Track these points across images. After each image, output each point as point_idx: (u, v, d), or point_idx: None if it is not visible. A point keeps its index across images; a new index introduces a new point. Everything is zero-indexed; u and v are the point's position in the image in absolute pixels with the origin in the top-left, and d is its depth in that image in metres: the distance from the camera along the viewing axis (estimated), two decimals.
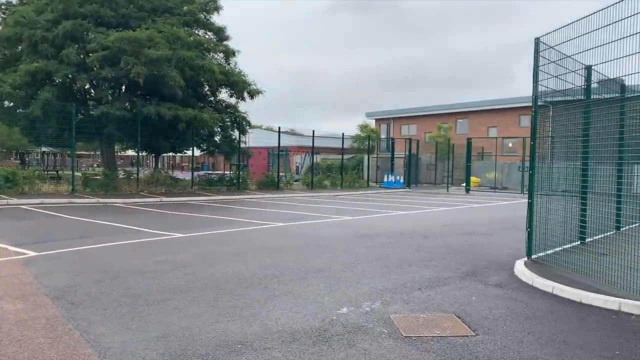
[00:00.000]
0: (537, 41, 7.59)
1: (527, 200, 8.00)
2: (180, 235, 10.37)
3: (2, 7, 22.79)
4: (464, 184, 31.52)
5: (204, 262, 7.70)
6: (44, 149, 44.30)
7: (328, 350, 4.25)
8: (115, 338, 4.43)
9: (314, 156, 30.73)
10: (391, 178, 32.66)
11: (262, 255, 8.32)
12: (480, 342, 4.51)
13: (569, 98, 7.98)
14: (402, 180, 32.68)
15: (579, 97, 7.97)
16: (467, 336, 4.66)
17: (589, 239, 8.13)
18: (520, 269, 7.20)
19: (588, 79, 8.09)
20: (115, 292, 5.87)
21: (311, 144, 29.18)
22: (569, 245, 7.83)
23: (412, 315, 5.26)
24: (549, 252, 7.68)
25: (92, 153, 56.73)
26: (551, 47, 7.53)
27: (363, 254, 8.67)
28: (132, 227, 11.42)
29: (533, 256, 7.76)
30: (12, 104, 21.43)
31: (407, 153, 34.39)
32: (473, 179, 32.08)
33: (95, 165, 51.67)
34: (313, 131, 28.63)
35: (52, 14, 20.33)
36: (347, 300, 5.75)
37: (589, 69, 7.94)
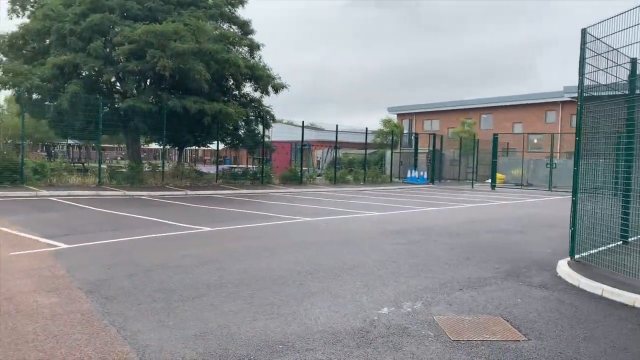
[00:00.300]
0: (584, 32, 7.24)
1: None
2: (209, 229, 10.27)
3: (32, 0, 22.96)
4: (489, 180, 30.98)
5: (235, 257, 7.56)
6: (69, 141, 44.92)
7: (374, 354, 4.05)
8: (152, 335, 4.30)
9: (336, 151, 30.50)
10: (414, 174, 32.26)
11: (293, 251, 8.16)
12: (534, 348, 4.26)
13: (613, 93, 7.64)
14: (425, 176, 32.26)
15: (623, 92, 7.63)
16: (519, 341, 4.42)
17: (632, 238, 7.77)
18: (565, 269, 6.90)
19: (633, 72, 7.73)
20: (148, 287, 5.75)
21: (331, 139, 28.97)
22: (612, 245, 7.49)
23: (457, 317, 5.03)
24: (592, 251, 7.35)
25: (116, 146, 57.34)
26: (598, 39, 7.18)
27: (395, 251, 8.45)
28: (159, 220, 11.36)
29: (576, 256, 7.44)
30: (40, 96, 21.64)
31: (430, 148, 33.94)
32: (498, 175, 31.50)
33: (119, 157, 52.20)
34: (337, 126, 28.41)
35: (80, 7, 20.41)
36: (387, 300, 5.54)
37: (634, 62, 7.59)
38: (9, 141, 33.21)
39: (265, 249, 8.29)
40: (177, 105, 20.01)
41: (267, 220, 12.10)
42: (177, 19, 20.62)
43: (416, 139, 35.16)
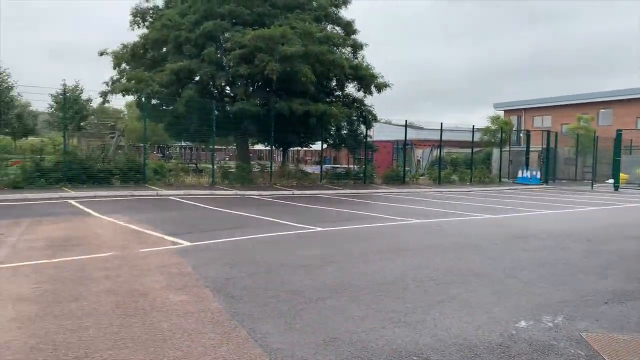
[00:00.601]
0: None
1: None
2: (320, 229, 10.25)
3: (151, 12, 24.64)
4: (610, 181, 28.37)
5: (352, 258, 7.41)
6: (182, 143, 47.82)
7: None
8: (281, 338, 4.24)
9: (440, 150, 29.55)
10: (526, 173, 30.38)
11: (410, 254, 7.86)
12: None
13: None
14: (538, 176, 30.24)
15: None
16: None
17: None
18: None
19: None
20: (271, 287, 5.76)
21: (432, 137, 28.17)
22: None
23: (608, 336, 4.47)
24: None
25: (224, 147, 60.16)
26: None
27: (522, 257, 7.83)
28: (272, 219, 11.56)
29: None
30: (158, 101, 23.15)
31: (544, 146, 31.80)
32: (621, 175, 28.75)
33: (226, 158, 54.71)
34: (441, 124, 27.55)
35: (195, 16, 21.53)
36: (523, 312, 5.08)
37: None
38: (139, 144, 35.88)
39: (382, 251, 8.07)
40: (284, 108, 20.45)
41: (378, 221, 11.87)
42: (284, 22, 21.06)
43: (528, 136, 33.15)
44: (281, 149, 30.54)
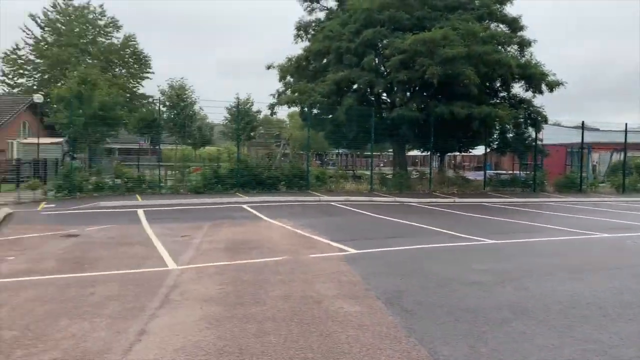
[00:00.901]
0: None
1: None
2: (492, 241, 9.56)
3: (313, 24, 25.72)
4: None
5: (532, 276, 6.70)
6: (339, 150, 49.17)
7: None
8: None
9: (624, 153, 26.09)
10: None
11: (602, 274, 6.88)
12: None
13: None
14: None
15: None
16: None
17: None
18: None
19: None
20: (446, 303, 5.40)
21: (611, 140, 24.94)
22: None
23: None
24: None
25: (379, 153, 60.60)
26: None
27: None
28: (435, 228, 11.12)
29: None
30: (318, 111, 24.02)
31: None
32: None
33: (381, 165, 54.99)
34: (626, 124, 24.49)
35: (355, 25, 21.91)
36: None
37: None
38: (300, 152, 37.87)
39: (567, 268, 7.20)
40: (445, 112, 19.79)
41: (556, 234, 10.74)
42: (445, 24, 20.42)
43: None
44: (438, 154, 29.71)
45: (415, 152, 42.30)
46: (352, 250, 8.34)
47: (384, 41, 21.74)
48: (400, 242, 9.32)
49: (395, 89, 22.06)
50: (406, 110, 20.40)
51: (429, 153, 25.15)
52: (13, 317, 4.80)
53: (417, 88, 22.93)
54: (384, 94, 24.07)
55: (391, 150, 36.06)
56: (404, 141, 24.15)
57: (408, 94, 23.30)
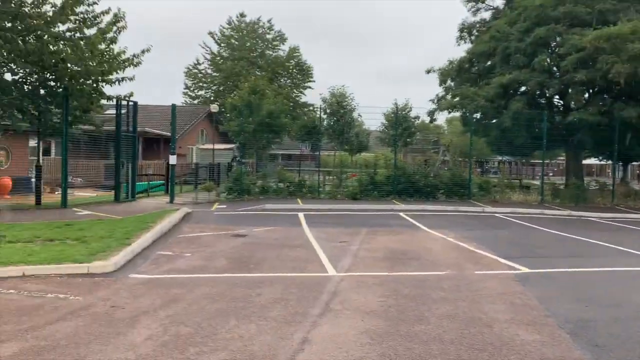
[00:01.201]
0: None
1: None
2: None
3: (477, 25, 24.49)
4: None
5: None
6: (501, 157, 46.22)
7: None
8: None
9: None
10: None
11: None
12: None
13: None
14: None
15: None
16: None
17: None
18: None
19: None
20: None
21: None
22: None
23: None
24: None
25: (548, 161, 55.82)
26: None
27: None
28: (623, 248, 9.65)
29: None
30: (481, 116, 22.73)
31: None
32: None
33: (550, 174, 50.52)
34: None
35: (525, 23, 20.33)
36: None
37: None
38: (459, 159, 36.45)
39: None
40: (632, 115, 17.37)
41: None
42: (634, 17, 17.92)
43: None
44: (620, 163, 26.28)
45: (590, 161, 38.09)
46: (525, 269, 7.53)
47: (558, 39, 19.86)
48: (582, 262, 8.22)
49: (571, 90, 19.94)
50: (585, 114, 18.36)
51: (609, 162, 22.36)
52: (188, 313, 5.08)
53: (596, 89, 20.53)
54: (556, 97, 22.01)
55: (562, 157, 32.84)
56: (580, 148, 21.75)
57: (586, 95, 20.97)
